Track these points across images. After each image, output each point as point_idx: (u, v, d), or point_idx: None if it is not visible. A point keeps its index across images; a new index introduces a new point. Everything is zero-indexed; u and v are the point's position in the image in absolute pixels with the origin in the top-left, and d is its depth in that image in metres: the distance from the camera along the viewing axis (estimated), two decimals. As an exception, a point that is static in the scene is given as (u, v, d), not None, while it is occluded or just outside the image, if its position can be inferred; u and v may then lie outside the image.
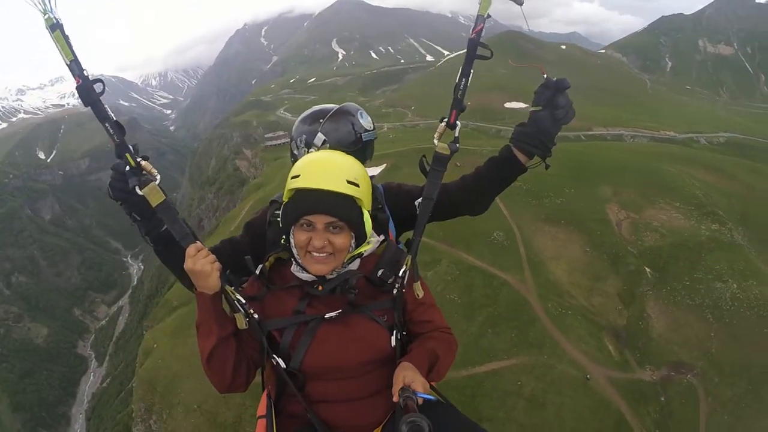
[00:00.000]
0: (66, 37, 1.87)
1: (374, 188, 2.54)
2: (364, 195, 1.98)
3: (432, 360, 2.05)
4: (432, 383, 2.12)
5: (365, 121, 2.54)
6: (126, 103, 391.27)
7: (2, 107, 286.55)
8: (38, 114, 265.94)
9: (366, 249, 2.09)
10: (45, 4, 1.83)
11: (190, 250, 1.93)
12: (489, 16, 2.10)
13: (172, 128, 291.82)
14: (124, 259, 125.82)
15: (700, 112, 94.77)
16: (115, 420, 46.27)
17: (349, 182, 1.93)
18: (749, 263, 27.36)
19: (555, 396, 19.97)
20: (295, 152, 2.56)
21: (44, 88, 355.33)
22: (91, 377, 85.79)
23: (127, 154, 1.99)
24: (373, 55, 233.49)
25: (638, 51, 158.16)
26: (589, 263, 27.62)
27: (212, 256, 1.96)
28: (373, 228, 2.33)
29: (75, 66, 1.89)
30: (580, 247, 28.47)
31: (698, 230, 29.81)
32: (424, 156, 2.39)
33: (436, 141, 2.26)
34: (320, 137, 2.49)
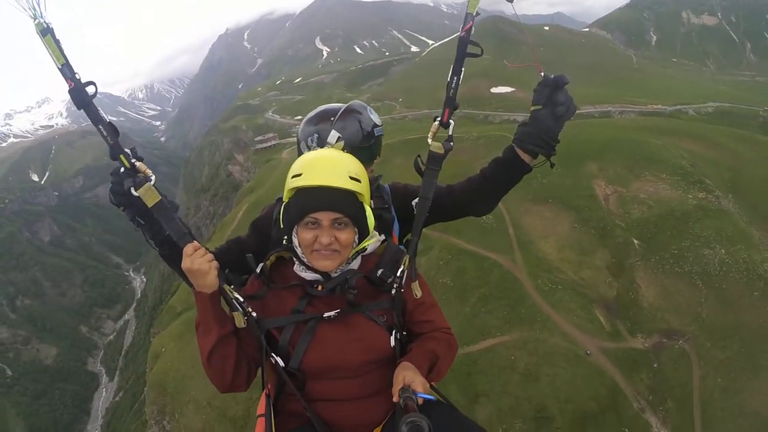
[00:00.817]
0: (57, 41, 1.89)
1: (381, 188, 2.66)
2: (365, 190, 2.03)
3: (432, 360, 2.08)
4: (432, 383, 2.15)
5: (374, 117, 2.56)
6: (114, 118, 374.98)
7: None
8: (28, 137, 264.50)
9: (369, 243, 2.13)
10: (35, 9, 1.85)
11: (188, 249, 1.95)
12: (478, 14, 2.13)
13: (162, 139, 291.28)
14: (127, 273, 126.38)
15: (687, 84, 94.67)
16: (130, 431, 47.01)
17: (351, 178, 1.97)
18: (737, 229, 27.70)
19: (548, 368, 20.64)
20: (305, 152, 2.48)
21: (31, 111, 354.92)
22: (104, 393, 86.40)
23: (122, 156, 2.03)
24: (358, 50, 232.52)
25: (622, 27, 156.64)
26: (578, 239, 28.09)
27: (210, 255, 1.97)
28: (377, 227, 2.41)
29: (67, 69, 1.92)
30: (568, 223, 28.92)
31: (685, 199, 30.13)
32: (419, 156, 2.42)
33: (430, 140, 2.28)
34: (334, 135, 2.50)
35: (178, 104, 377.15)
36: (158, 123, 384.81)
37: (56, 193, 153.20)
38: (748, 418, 19.93)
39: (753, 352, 21.88)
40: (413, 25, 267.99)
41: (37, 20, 1.84)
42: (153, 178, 2.04)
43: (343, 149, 2.32)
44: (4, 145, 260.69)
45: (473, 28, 2.12)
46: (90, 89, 1.95)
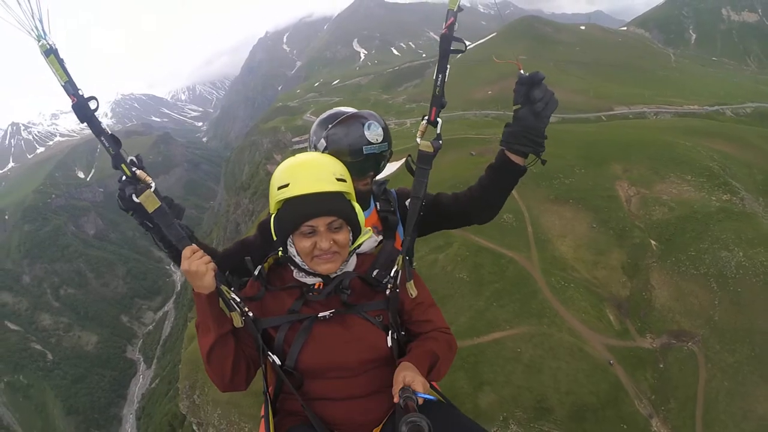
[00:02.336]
0: (61, 61, 1.98)
1: (387, 192, 2.71)
2: (350, 189, 2.08)
3: (432, 360, 2.07)
4: (432, 383, 2.20)
5: (370, 133, 2.43)
6: (158, 119, 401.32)
7: (38, 132, 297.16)
8: (74, 136, 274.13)
9: (364, 240, 2.15)
10: (38, 30, 1.91)
11: (186, 252, 1.99)
12: (461, 9, 2.13)
13: (204, 139, 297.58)
14: (168, 267, 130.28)
15: (727, 83, 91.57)
16: (164, 412, 49.22)
17: (337, 179, 2.01)
18: (759, 231, 27.35)
19: (552, 361, 21.16)
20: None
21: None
22: (141, 379, 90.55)
23: (123, 165, 2.11)
24: (395, 52, 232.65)
25: (660, 25, 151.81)
26: (595, 238, 28.35)
27: (207, 258, 2.00)
28: (382, 230, 2.56)
29: (69, 86, 2.01)
30: (587, 223, 29.17)
31: (709, 201, 29.93)
32: (409, 155, 2.47)
33: (418, 140, 2.29)
34: (322, 143, 2.49)
35: (219, 105, 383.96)
36: (200, 124, 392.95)
37: (101, 190, 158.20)
38: (753, 423, 19.97)
39: (764, 356, 21.81)
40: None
41: (41, 41, 1.93)
42: (153, 185, 2.12)
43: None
44: (51, 143, 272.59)
45: (456, 23, 2.14)
46: (92, 104, 2.05)
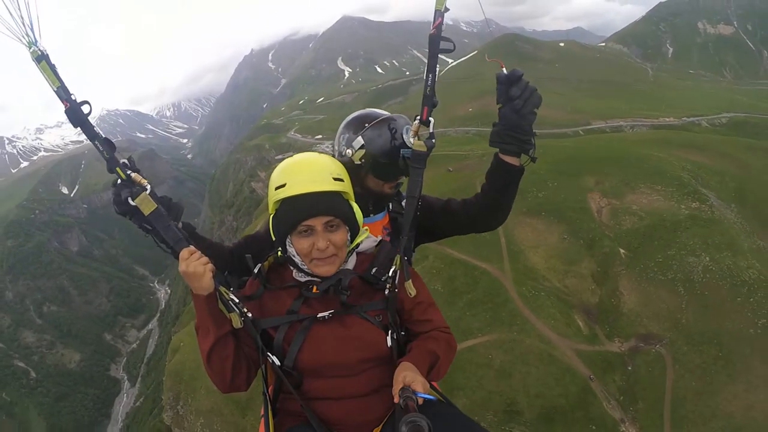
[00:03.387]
0: (52, 67, 1.96)
1: (399, 194, 2.74)
2: (348, 188, 2.08)
3: (432, 360, 2.07)
4: (432, 383, 2.17)
5: (408, 137, 2.41)
6: (143, 135, 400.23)
7: (22, 146, 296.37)
8: (58, 151, 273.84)
9: (362, 239, 2.17)
10: (29, 37, 1.91)
11: (183, 253, 1.98)
12: (447, 9, 2.13)
13: (189, 156, 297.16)
14: (151, 285, 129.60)
15: (703, 95, 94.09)
16: (148, 428, 49.27)
17: (334, 179, 2.01)
18: (725, 236, 28.20)
19: (522, 366, 21.88)
20: (334, 155, 2.53)
21: (62, 126, 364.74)
22: (125, 398, 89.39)
23: (117, 168, 2.08)
24: (379, 70, 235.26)
25: (638, 40, 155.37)
26: (566, 249, 29.06)
27: (205, 259, 1.99)
28: (389, 231, 2.58)
29: (62, 91, 1.98)
30: (558, 235, 29.89)
31: (678, 210, 30.68)
32: (404, 155, 2.44)
33: (412, 139, 2.30)
34: (359, 140, 2.49)
35: (204, 122, 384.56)
36: (185, 141, 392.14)
37: (85, 206, 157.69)
38: (721, 421, 20.66)
39: (731, 356, 22.54)
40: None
41: (32, 48, 1.92)
42: (149, 187, 2.10)
43: (360, 159, 2.47)
44: (35, 158, 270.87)
45: (443, 24, 2.14)
46: (85, 108, 2.02)
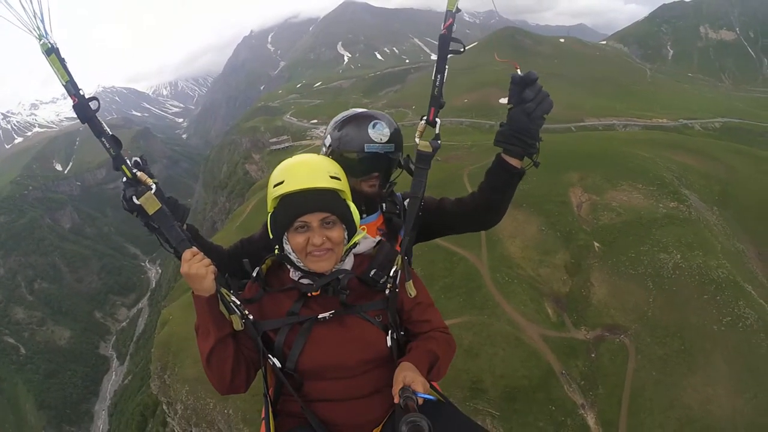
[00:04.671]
0: (62, 60, 1.95)
1: (394, 194, 2.70)
2: (345, 188, 2.08)
3: (432, 360, 2.07)
4: (432, 383, 2.17)
5: (374, 132, 2.44)
6: (139, 114, 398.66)
7: (17, 122, 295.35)
8: (53, 127, 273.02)
9: (359, 238, 2.16)
10: (40, 30, 1.89)
11: (186, 254, 1.98)
12: (459, 10, 2.12)
13: (184, 136, 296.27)
14: (143, 264, 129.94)
15: (699, 99, 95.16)
16: (136, 404, 50.14)
17: (331, 177, 2.03)
18: (699, 236, 29.05)
19: (489, 348, 22.88)
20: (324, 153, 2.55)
21: (57, 102, 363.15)
22: (113, 376, 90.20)
23: (123, 167, 2.08)
24: (378, 57, 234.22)
25: (639, 40, 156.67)
26: (542, 240, 29.95)
27: (207, 260, 1.99)
28: (386, 232, 2.58)
29: (71, 86, 1.97)
30: (537, 226, 30.70)
31: (656, 208, 31.49)
32: (408, 156, 2.47)
33: (417, 139, 2.27)
34: (328, 139, 2.53)
35: (201, 102, 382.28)
36: (181, 120, 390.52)
37: (79, 183, 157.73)
38: (677, 411, 21.60)
39: (693, 350, 23.47)
40: (433, 32, 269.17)
41: (42, 40, 1.91)
42: (154, 187, 2.10)
43: (329, 155, 2.45)
44: (30, 134, 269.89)
45: (454, 24, 2.12)
46: (93, 104, 2.02)
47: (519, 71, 2.12)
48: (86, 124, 2.03)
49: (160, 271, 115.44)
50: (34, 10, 1.87)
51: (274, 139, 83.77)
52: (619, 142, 47.95)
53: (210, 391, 24.37)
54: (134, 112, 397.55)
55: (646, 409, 21.84)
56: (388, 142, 2.45)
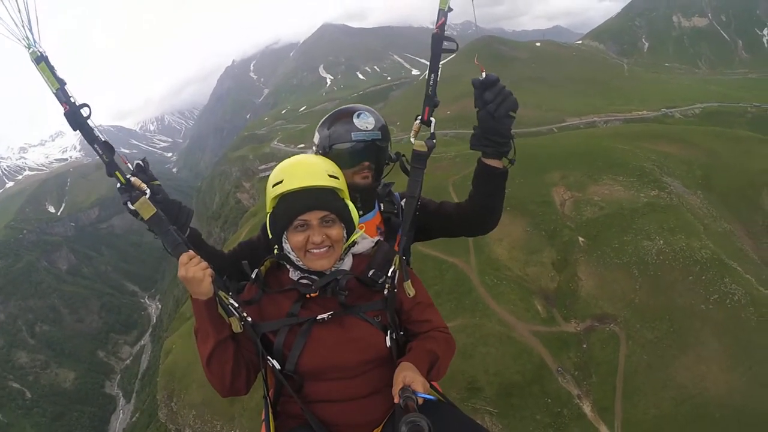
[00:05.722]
0: (51, 68, 1.96)
1: (392, 194, 2.76)
2: (344, 186, 2.14)
3: (432, 360, 2.10)
4: (432, 383, 2.21)
5: (359, 121, 2.50)
6: (127, 151, 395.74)
7: (7, 166, 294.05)
8: (43, 170, 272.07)
9: (358, 236, 2.20)
10: (29, 39, 1.91)
11: (182, 258, 1.98)
12: (451, 9, 2.12)
13: (174, 170, 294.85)
14: (142, 300, 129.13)
15: (677, 87, 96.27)
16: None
17: (330, 176, 2.08)
18: (681, 220, 29.49)
19: (482, 348, 23.39)
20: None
21: (45, 144, 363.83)
22: (121, 414, 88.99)
23: (117, 173, 2.09)
24: (360, 76, 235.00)
25: (614, 36, 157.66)
26: (528, 240, 30.39)
27: (204, 264, 1.99)
28: (384, 232, 2.62)
29: (61, 93, 1.98)
30: (522, 227, 31.10)
31: (637, 198, 31.90)
32: (403, 156, 2.51)
33: (412, 139, 2.30)
34: (316, 137, 2.58)
35: (188, 135, 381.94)
36: (170, 154, 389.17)
37: (73, 224, 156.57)
38: (672, 391, 22.02)
39: (682, 331, 23.96)
40: (413, 48, 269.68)
41: (31, 49, 1.92)
42: (148, 192, 2.10)
43: (317, 152, 2.51)
44: (20, 177, 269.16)
45: (446, 23, 2.13)
46: (84, 111, 2.01)
47: (483, 74, 2.15)
48: (78, 131, 2.06)
49: (159, 306, 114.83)
50: (22, 19, 1.90)
51: (263, 166, 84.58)
52: (599, 138, 48.51)
53: (217, 414, 24.90)
54: (123, 150, 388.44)
55: (639, 392, 22.28)
56: (373, 129, 2.53)
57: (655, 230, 28.86)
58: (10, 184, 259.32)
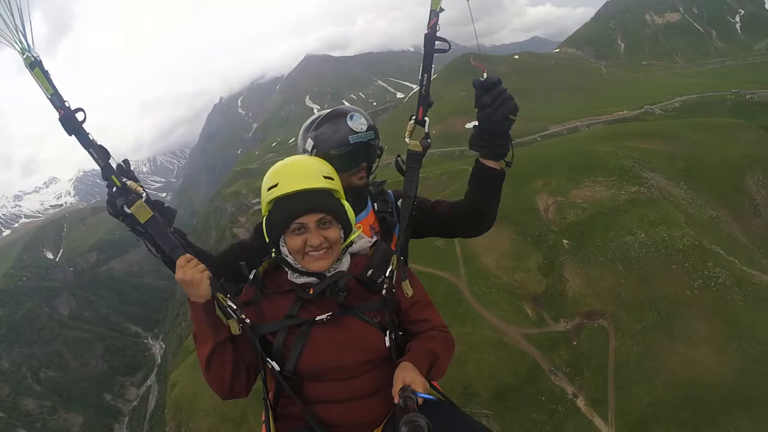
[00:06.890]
0: (45, 73, 1.95)
1: (385, 193, 2.78)
2: (339, 187, 2.13)
3: (431, 359, 2.09)
4: (432, 382, 2.26)
5: (354, 123, 2.47)
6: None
7: (3, 215, 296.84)
8: (39, 216, 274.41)
9: (355, 237, 2.19)
10: (23, 44, 1.91)
11: (180, 261, 1.98)
12: (442, 9, 2.15)
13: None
14: (145, 341, 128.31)
15: (656, 84, 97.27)
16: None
17: (325, 177, 2.07)
18: (660, 212, 30.11)
19: (475, 354, 24.16)
20: None
21: (40, 191, 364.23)
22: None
23: (113, 176, 2.07)
24: (346, 104, 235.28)
25: (591, 41, 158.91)
26: (515, 248, 31.20)
27: (202, 266, 1.98)
28: (379, 231, 2.63)
29: (56, 99, 1.97)
30: (508, 236, 31.85)
31: (618, 196, 32.59)
32: (399, 156, 2.47)
33: (407, 140, 2.32)
34: (309, 143, 2.54)
35: (181, 174, 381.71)
36: (164, 195, 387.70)
37: (72, 269, 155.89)
38: (663, 377, 22.65)
39: (669, 319, 24.63)
40: (396, 72, 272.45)
41: (25, 54, 1.93)
42: (144, 195, 2.10)
43: (315, 155, 2.47)
44: (17, 225, 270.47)
45: (438, 24, 2.16)
46: (79, 115, 2.01)
47: (485, 75, 2.18)
48: (73, 135, 2.05)
49: (163, 345, 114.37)
50: (16, 24, 1.91)
51: (256, 200, 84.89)
52: (580, 142, 49.35)
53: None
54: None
55: (631, 381, 22.90)
56: (368, 130, 2.53)
57: (637, 225, 29.57)
58: (6, 232, 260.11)
